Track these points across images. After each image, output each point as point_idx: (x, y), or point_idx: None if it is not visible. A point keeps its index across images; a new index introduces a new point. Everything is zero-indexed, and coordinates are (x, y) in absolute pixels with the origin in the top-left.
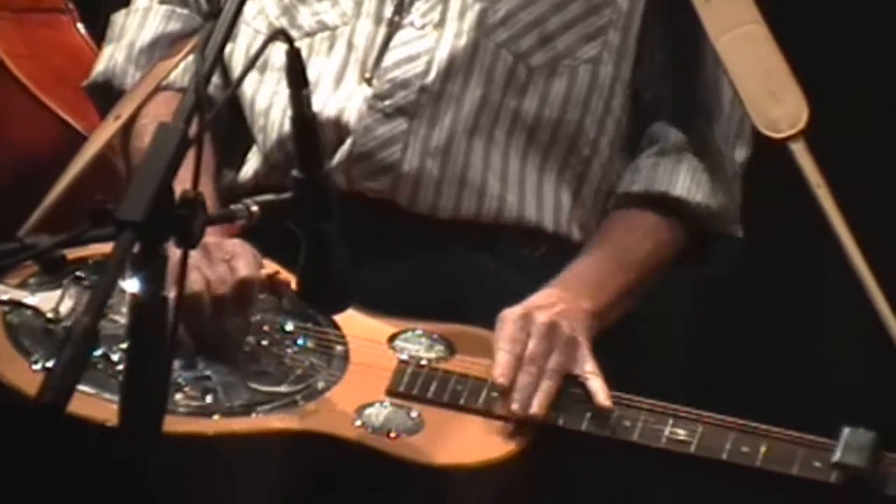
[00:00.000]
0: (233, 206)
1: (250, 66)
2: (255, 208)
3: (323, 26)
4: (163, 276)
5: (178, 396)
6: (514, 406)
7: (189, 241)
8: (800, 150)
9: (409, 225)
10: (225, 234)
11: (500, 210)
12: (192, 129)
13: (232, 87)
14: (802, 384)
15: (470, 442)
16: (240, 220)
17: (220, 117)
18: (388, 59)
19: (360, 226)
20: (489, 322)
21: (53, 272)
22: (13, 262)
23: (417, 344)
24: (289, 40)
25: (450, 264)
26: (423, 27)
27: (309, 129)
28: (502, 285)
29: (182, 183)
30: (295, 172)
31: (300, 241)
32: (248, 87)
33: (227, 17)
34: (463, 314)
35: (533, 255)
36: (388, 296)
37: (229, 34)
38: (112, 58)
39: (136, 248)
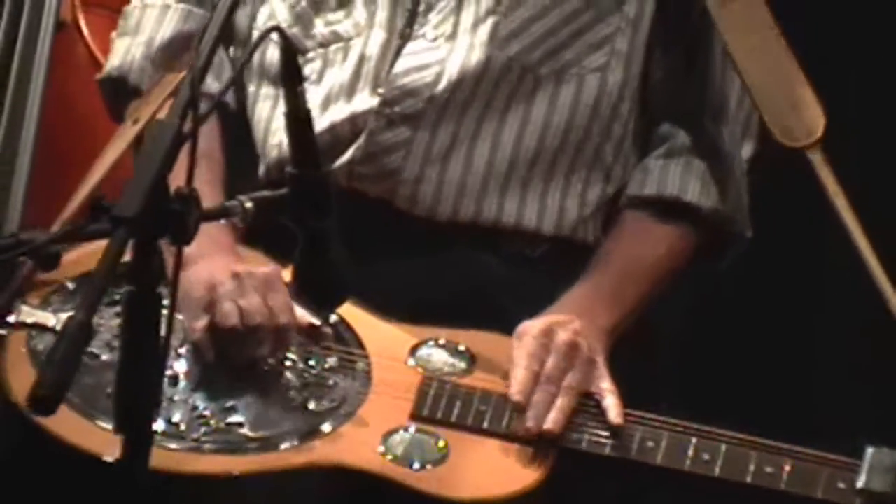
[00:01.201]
0: (227, 203)
1: (246, 60)
2: (249, 205)
3: (337, 37)
4: (158, 273)
5: (203, 430)
6: (530, 424)
7: (183, 236)
8: (817, 159)
9: (409, 225)
10: (236, 235)
11: (499, 216)
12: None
13: (228, 81)
14: (803, 391)
15: (494, 472)
16: (234, 217)
17: (232, 132)
18: (399, 67)
19: (361, 225)
20: (494, 318)
21: (49, 268)
22: (9, 257)
23: (438, 356)
24: (283, 37)
25: (450, 262)
26: (435, 39)
27: (304, 126)
28: (504, 281)
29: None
30: (289, 169)
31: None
32: (265, 105)
33: (222, 13)
34: (466, 312)
35: (533, 254)
36: (392, 294)
37: (224, 29)
38: (129, 52)
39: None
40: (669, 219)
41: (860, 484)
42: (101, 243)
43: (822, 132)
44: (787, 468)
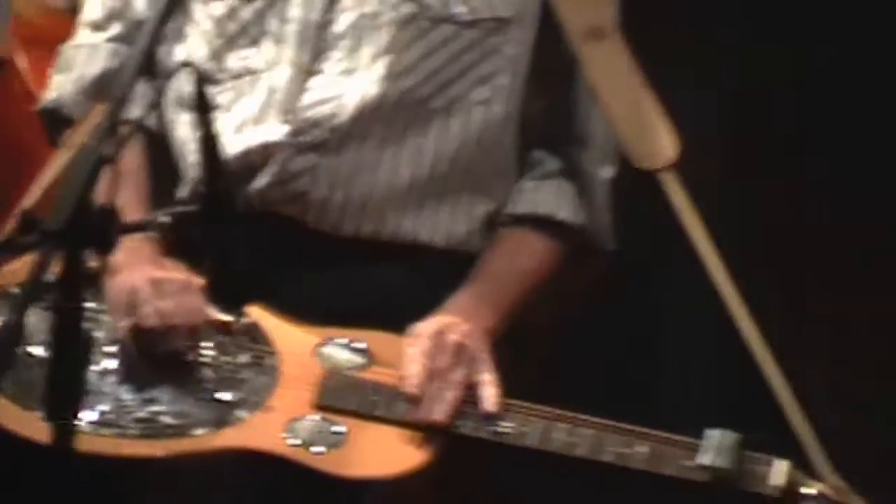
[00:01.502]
0: (144, 218)
1: (162, 91)
2: (164, 219)
3: (248, 70)
4: (84, 280)
5: (128, 418)
6: (421, 414)
7: (106, 247)
8: (669, 181)
9: (317, 241)
10: (157, 248)
11: (397, 232)
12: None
13: (146, 109)
14: (659, 385)
15: (386, 454)
16: (151, 230)
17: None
18: (305, 100)
19: (274, 241)
20: (392, 321)
21: None
22: None
23: (340, 353)
24: (194, 71)
25: (354, 273)
26: (337, 74)
27: (212, 150)
28: (402, 288)
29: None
30: (200, 187)
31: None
32: (183, 129)
33: (138, 50)
34: (369, 315)
35: (426, 263)
36: (303, 302)
37: (142, 64)
38: (62, 87)
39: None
40: (543, 234)
41: (705, 461)
42: None
43: (673, 157)
44: (642, 449)
